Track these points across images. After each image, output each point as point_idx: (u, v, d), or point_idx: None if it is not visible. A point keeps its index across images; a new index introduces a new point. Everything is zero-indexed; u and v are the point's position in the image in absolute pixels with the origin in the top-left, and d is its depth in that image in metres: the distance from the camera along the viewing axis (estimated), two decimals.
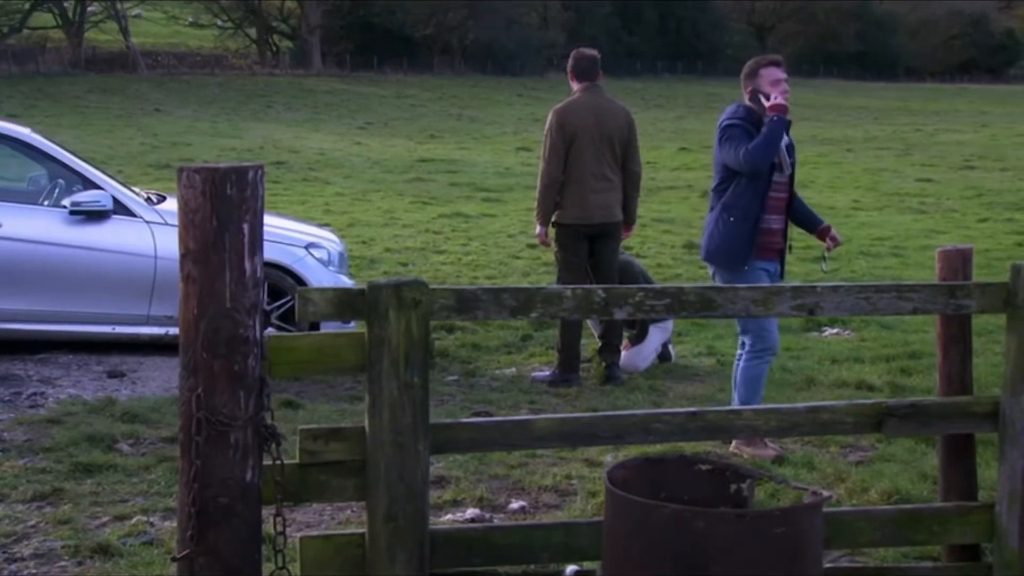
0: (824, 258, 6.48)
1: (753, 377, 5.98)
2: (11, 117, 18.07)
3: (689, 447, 5.23)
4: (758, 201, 5.89)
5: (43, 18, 56.04)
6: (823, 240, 6.25)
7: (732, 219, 5.89)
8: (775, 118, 5.82)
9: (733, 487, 3.34)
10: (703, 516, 3.00)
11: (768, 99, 5.88)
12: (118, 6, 56.38)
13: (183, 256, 3.09)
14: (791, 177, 6.05)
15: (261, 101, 44.87)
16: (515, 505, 5.10)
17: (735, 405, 6.01)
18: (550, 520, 4.77)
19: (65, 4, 55.85)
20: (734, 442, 5.84)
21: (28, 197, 8.09)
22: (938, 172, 23.61)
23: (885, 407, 3.75)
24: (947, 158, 26.75)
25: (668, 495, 3.27)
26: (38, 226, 7.69)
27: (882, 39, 80.00)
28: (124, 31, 56.09)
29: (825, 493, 3.21)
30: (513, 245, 13.33)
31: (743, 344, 6.12)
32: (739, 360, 6.16)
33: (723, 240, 5.92)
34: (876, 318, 8.59)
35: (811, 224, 6.22)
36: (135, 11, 59.83)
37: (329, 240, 8.56)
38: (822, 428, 3.85)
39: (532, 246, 13.15)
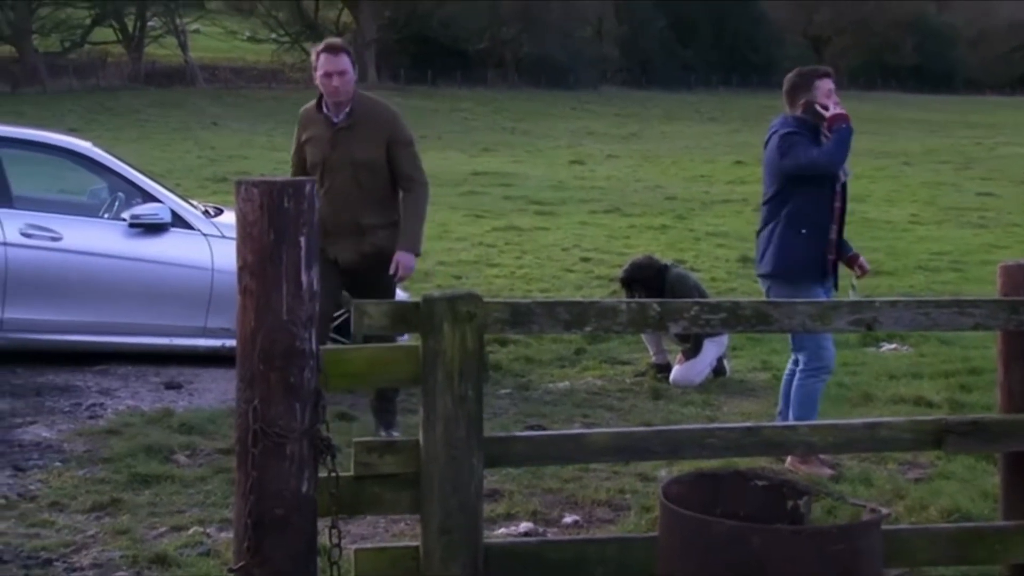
0: (852, 287, 6.29)
1: (808, 395, 5.91)
2: (72, 131, 18.35)
3: (743, 463, 5.18)
4: (826, 211, 5.82)
5: (104, 33, 56.93)
6: (851, 268, 6.16)
7: (804, 231, 5.80)
8: (845, 126, 5.78)
9: (790, 503, 3.31)
10: (759, 532, 2.98)
11: (826, 110, 5.83)
12: (177, 22, 57.16)
13: (241, 269, 3.12)
14: (844, 186, 5.99)
15: None
16: (569, 519, 5.08)
17: (783, 418, 5.96)
18: (604, 535, 4.75)
19: (126, 20, 56.73)
20: (789, 459, 5.78)
21: (88, 210, 8.19)
22: (999, 186, 23.30)
23: (945, 424, 3.71)
24: (1008, 172, 26.38)
25: (723, 511, 3.24)
26: (98, 238, 7.78)
27: (941, 51, 79.17)
28: (183, 46, 56.85)
29: (883, 510, 3.18)
30: (566, 259, 13.31)
31: (796, 360, 6.06)
32: (788, 375, 6.10)
33: (797, 252, 5.79)
34: (935, 333, 8.47)
35: (841, 250, 6.04)
36: (194, 26, 60.59)
37: None
38: (880, 444, 3.81)
39: (586, 259, 13.15)
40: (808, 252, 5.79)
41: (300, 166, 6.25)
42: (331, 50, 6.07)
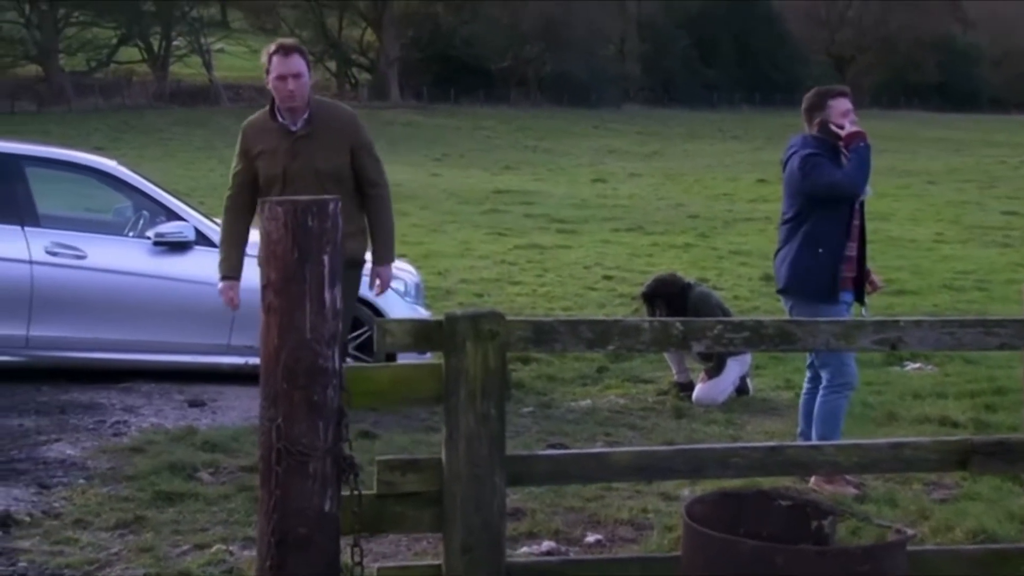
0: (864, 303, 6.32)
1: (831, 412, 5.88)
2: (98, 149, 18.49)
3: (766, 482, 5.15)
4: (844, 229, 5.81)
5: (130, 53, 57.44)
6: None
7: (822, 250, 5.79)
8: (863, 144, 5.77)
9: (814, 524, 3.29)
10: (784, 553, 2.96)
11: (841, 129, 5.83)
12: (202, 41, 57.59)
13: (264, 287, 3.13)
14: (862, 203, 5.97)
15: None
16: (591, 538, 5.07)
17: (804, 439, 5.93)
18: (626, 554, 4.73)
19: (151, 39, 57.21)
20: (813, 478, 5.75)
21: (113, 228, 8.25)
22: None
23: (970, 444, 3.68)
24: None
25: (747, 531, 3.23)
26: (122, 257, 7.83)
27: (964, 70, 78.92)
28: (207, 65, 57.27)
29: (909, 531, 3.16)
30: (588, 277, 13.30)
31: (811, 378, 6.03)
32: (806, 394, 6.08)
33: (811, 271, 5.80)
34: (960, 353, 8.42)
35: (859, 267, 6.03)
36: (218, 46, 61.03)
37: (406, 271, 8.61)
38: (905, 465, 3.78)
39: (608, 277, 13.14)
40: (825, 270, 5.78)
41: (250, 183, 5.71)
42: (284, 51, 5.60)
